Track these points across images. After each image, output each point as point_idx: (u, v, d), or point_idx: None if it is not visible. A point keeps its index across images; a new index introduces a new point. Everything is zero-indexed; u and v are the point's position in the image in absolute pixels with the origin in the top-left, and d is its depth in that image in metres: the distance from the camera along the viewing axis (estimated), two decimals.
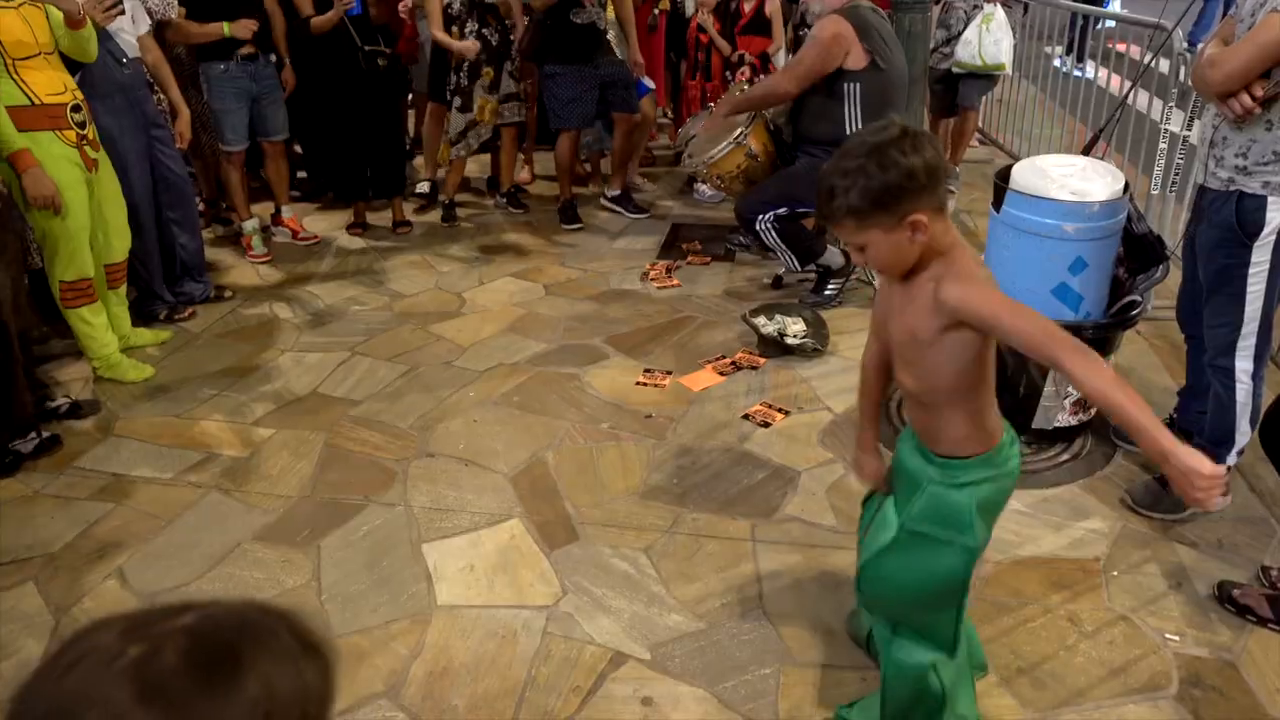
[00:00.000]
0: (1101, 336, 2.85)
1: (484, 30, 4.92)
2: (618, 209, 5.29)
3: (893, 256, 1.59)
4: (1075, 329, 2.81)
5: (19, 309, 3.27)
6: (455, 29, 4.90)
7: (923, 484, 1.73)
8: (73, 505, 2.94)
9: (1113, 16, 4.85)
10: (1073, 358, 1.43)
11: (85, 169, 3.45)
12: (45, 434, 3.24)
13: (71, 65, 3.48)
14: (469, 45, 4.79)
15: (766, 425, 3.20)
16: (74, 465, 3.15)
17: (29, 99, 3.23)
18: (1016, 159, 5.91)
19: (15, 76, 3.20)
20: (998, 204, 2.90)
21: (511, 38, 5.03)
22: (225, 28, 4.38)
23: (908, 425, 1.86)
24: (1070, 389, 2.89)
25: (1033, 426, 2.97)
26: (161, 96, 4.11)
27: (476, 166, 5.79)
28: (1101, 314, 2.91)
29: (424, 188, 5.60)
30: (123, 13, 3.72)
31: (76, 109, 3.41)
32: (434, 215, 5.39)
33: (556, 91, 4.99)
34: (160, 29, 4.21)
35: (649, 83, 5.17)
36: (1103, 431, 3.09)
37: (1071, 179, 2.79)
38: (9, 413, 3.13)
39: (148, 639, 0.63)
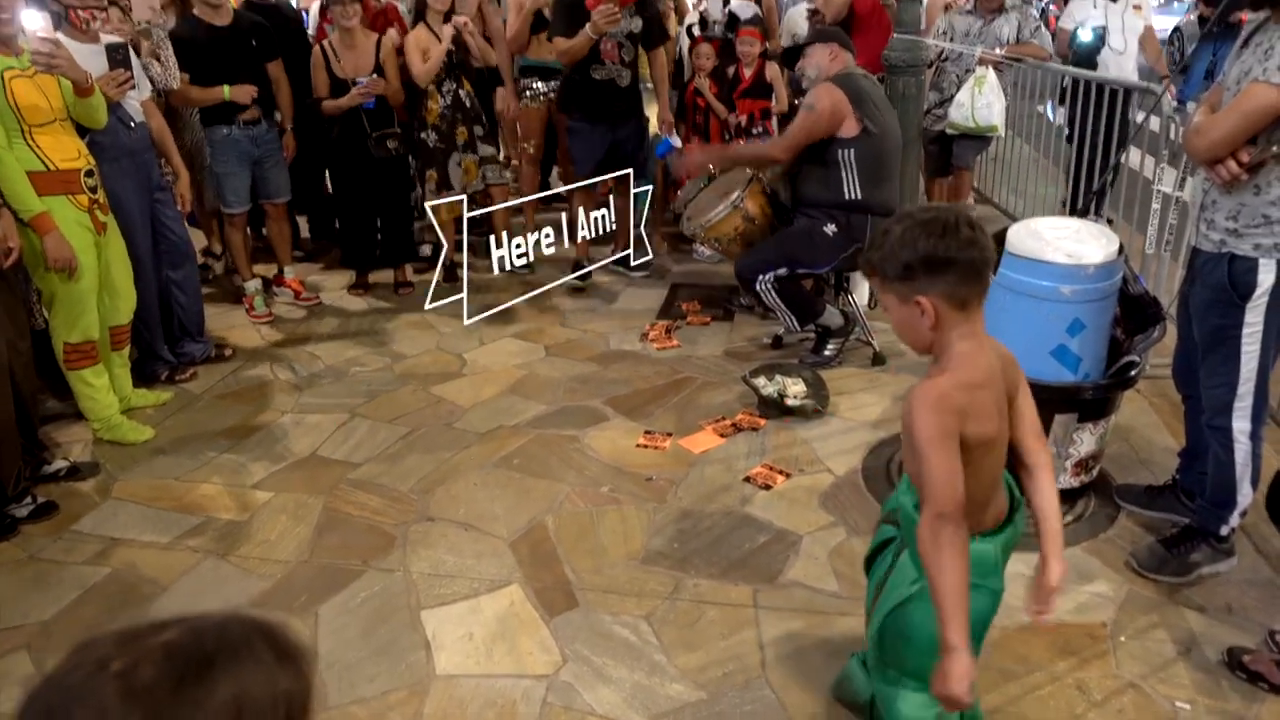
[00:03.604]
0: (1101, 397, 2.86)
1: (459, 91, 5.00)
2: (620, 269, 5.33)
3: (903, 328, 1.64)
4: (1075, 390, 2.82)
5: (28, 374, 3.27)
6: (433, 88, 4.96)
7: None
8: (68, 570, 2.91)
9: (1103, 80, 4.92)
10: (929, 522, 1.54)
11: (95, 232, 3.49)
12: (41, 499, 3.23)
13: (82, 129, 3.54)
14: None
15: (768, 488, 3.19)
16: (71, 529, 3.13)
17: (45, 165, 3.29)
18: (1013, 217, 6.00)
19: (31, 142, 3.25)
20: (994, 266, 2.92)
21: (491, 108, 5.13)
22: (226, 91, 4.47)
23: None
24: (1071, 450, 2.88)
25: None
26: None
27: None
28: (1100, 374, 2.91)
29: (426, 250, 5.65)
30: (134, 86, 3.80)
31: (89, 174, 3.46)
32: (435, 275, 5.40)
33: (572, 143, 5.15)
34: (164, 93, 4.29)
35: (675, 141, 5.25)
36: (1105, 493, 3.08)
37: (1066, 241, 2.81)
38: (4, 477, 3.12)
39: (135, 649, 0.72)
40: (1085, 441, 2.88)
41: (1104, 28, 5.68)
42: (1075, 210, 4.64)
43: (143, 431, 3.72)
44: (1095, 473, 3.02)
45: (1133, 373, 2.84)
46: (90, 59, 3.56)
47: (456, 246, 4.77)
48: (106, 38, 3.76)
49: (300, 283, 5.22)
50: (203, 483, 3.38)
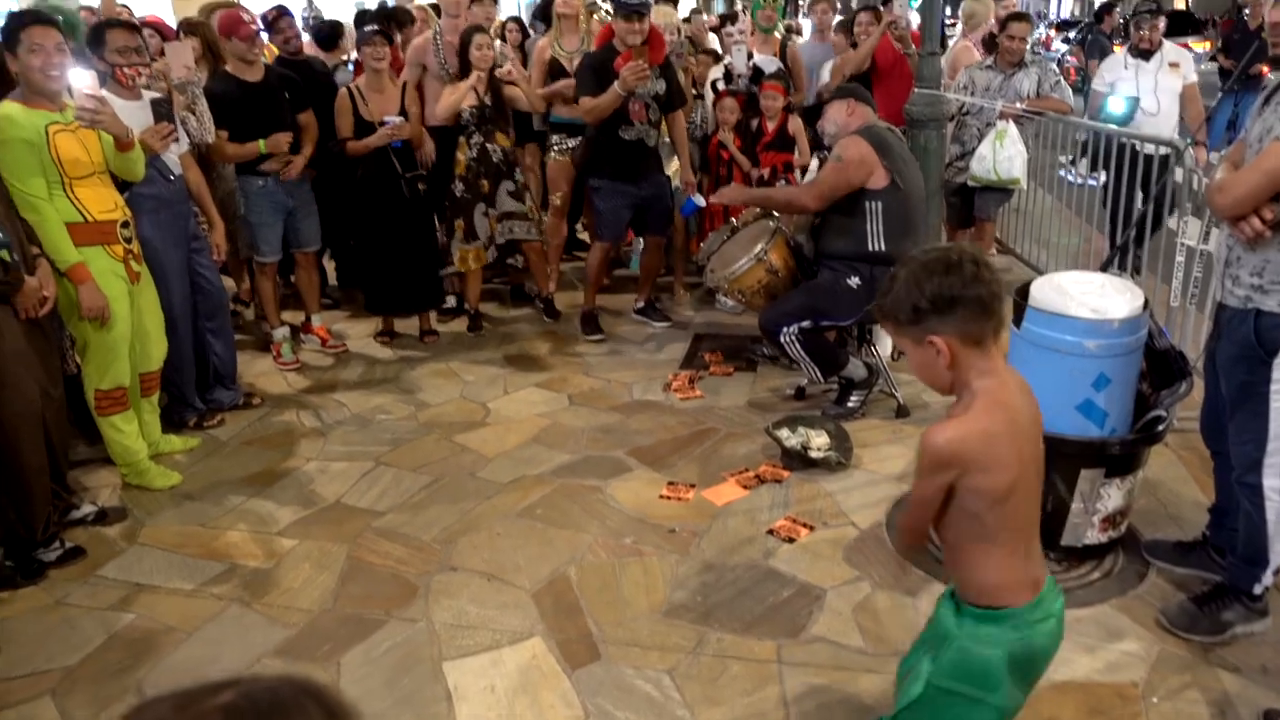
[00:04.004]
0: (1128, 452, 2.84)
1: (488, 145, 5.09)
2: (644, 319, 5.37)
3: (922, 369, 1.65)
4: (1101, 445, 2.81)
5: (59, 420, 3.33)
6: (462, 139, 5.07)
7: (951, 637, 1.68)
8: (94, 615, 2.94)
9: (1126, 135, 4.95)
10: (897, 530, 1.72)
11: (129, 281, 3.57)
12: (69, 544, 3.27)
13: (120, 181, 3.63)
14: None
15: (791, 541, 3.18)
16: (97, 574, 3.16)
17: (83, 216, 3.37)
18: (1035, 268, 6.00)
19: (71, 194, 3.34)
20: (1018, 320, 2.93)
21: (546, 158, 5.21)
22: (261, 146, 4.57)
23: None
24: (1098, 505, 2.86)
25: (1061, 544, 2.93)
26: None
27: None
28: (1127, 429, 2.90)
29: (451, 301, 5.71)
30: (177, 139, 3.90)
31: (125, 225, 3.54)
32: (460, 324, 5.49)
33: (597, 204, 5.17)
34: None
35: (699, 200, 5.31)
36: (1134, 549, 3.05)
37: (1091, 296, 2.82)
38: (34, 523, 3.16)
39: (193, 713, 0.73)
40: (1113, 497, 2.86)
41: (1136, 99, 5.49)
42: (1107, 269, 4.61)
43: (170, 477, 3.76)
44: (1123, 528, 2.99)
45: (1160, 428, 2.82)
46: (134, 113, 3.67)
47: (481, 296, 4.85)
48: (149, 93, 3.87)
49: (327, 330, 5.29)
50: (228, 529, 3.41)
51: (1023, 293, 2.97)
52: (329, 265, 6.09)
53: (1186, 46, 6.02)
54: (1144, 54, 5.72)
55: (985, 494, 1.58)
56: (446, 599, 2.93)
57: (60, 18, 3.97)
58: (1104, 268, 4.08)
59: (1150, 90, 5.58)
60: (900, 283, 1.58)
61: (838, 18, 6.78)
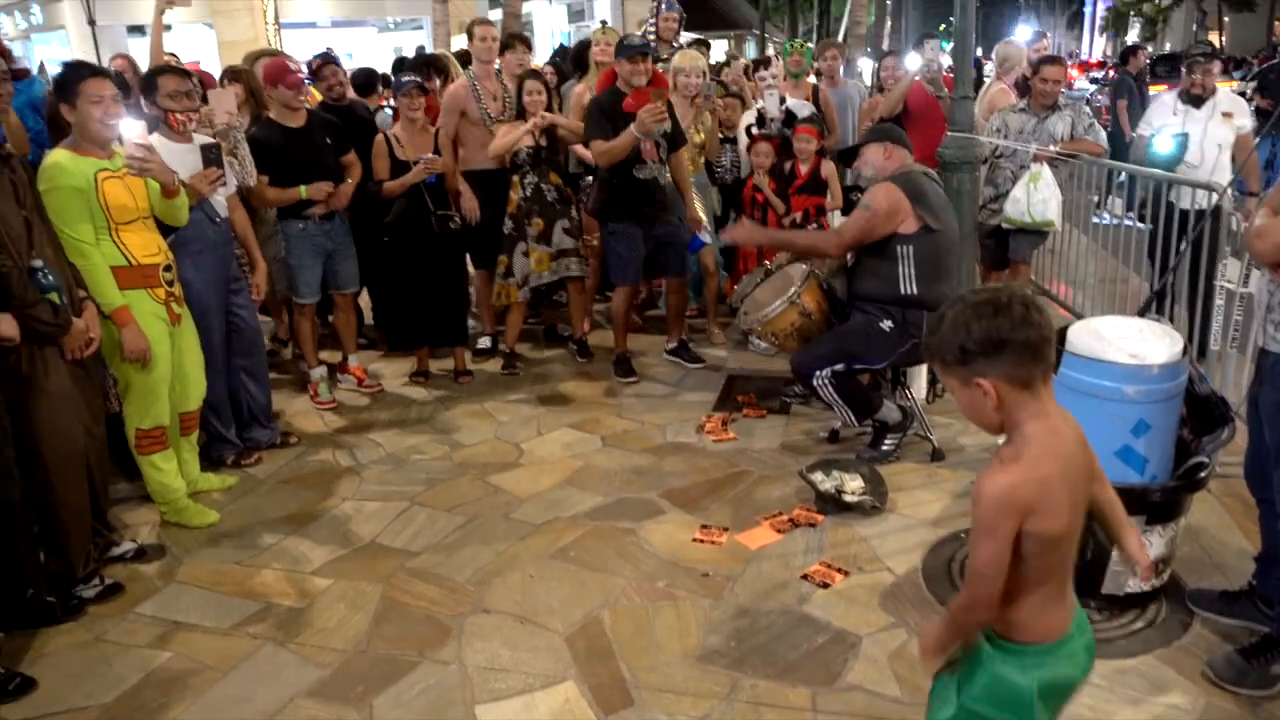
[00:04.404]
0: (1170, 499, 2.80)
1: (542, 185, 5.18)
2: (676, 360, 5.39)
3: (970, 411, 1.64)
4: (1142, 492, 2.76)
5: (101, 459, 3.39)
6: (516, 178, 5.17)
7: (984, 665, 1.68)
8: (131, 653, 2.97)
9: (1163, 178, 4.92)
10: (961, 606, 1.66)
11: (170, 323, 3.64)
12: (109, 580, 3.31)
13: (164, 226, 3.72)
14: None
15: (826, 586, 3.15)
16: (135, 611, 3.20)
17: (127, 260, 3.46)
18: (1070, 310, 5.95)
19: (116, 239, 3.43)
20: (1055, 365, 2.90)
21: (580, 197, 5.27)
22: (303, 191, 4.68)
23: None
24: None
25: (1102, 592, 2.88)
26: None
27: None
28: (1168, 476, 2.85)
29: (485, 343, 5.77)
30: (225, 183, 4.00)
31: (168, 268, 3.63)
32: (494, 364, 5.53)
33: (616, 248, 5.17)
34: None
35: (704, 237, 5.34)
36: (1178, 598, 2.98)
37: (1129, 341, 2.79)
38: (74, 560, 3.21)
39: None
40: (1155, 545, 2.81)
41: (1185, 136, 5.22)
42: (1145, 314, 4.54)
43: (208, 515, 3.80)
44: (1166, 577, 2.93)
45: (1202, 474, 2.78)
46: (183, 156, 3.77)
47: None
48: (199, 138, 3.98)
49: (363, 370, 5.35)
50: (263, 568, 3.43)
51: (1059, 337, 2.95)
52: (365, 305, 6.18)
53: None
54: (1195, 100, 5.40)
55: (1038, 539, 1.57)
56: (479, 641, 2.93)
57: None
58: (1142, 312, 4.04)
59: (1197, 140, 5.28)
60: (948, 323, 1.57)
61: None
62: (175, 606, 3.22)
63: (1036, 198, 5.32)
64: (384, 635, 2.99)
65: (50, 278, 3.03)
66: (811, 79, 6.60)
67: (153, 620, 3.14)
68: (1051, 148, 5.42)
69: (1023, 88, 6.32)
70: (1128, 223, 5.62)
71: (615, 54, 5.06)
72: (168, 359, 3.64)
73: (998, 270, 5.92)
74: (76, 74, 3.37)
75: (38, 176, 3.21)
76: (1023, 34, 10.50)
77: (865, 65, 15.09)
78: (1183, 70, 5.65)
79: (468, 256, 5.54)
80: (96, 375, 3.47)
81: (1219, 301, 4.03)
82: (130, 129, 3.37)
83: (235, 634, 3.04)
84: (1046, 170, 5.35)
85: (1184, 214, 4.72)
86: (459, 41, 16.84)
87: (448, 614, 3.09)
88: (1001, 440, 1.64)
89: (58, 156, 3.31)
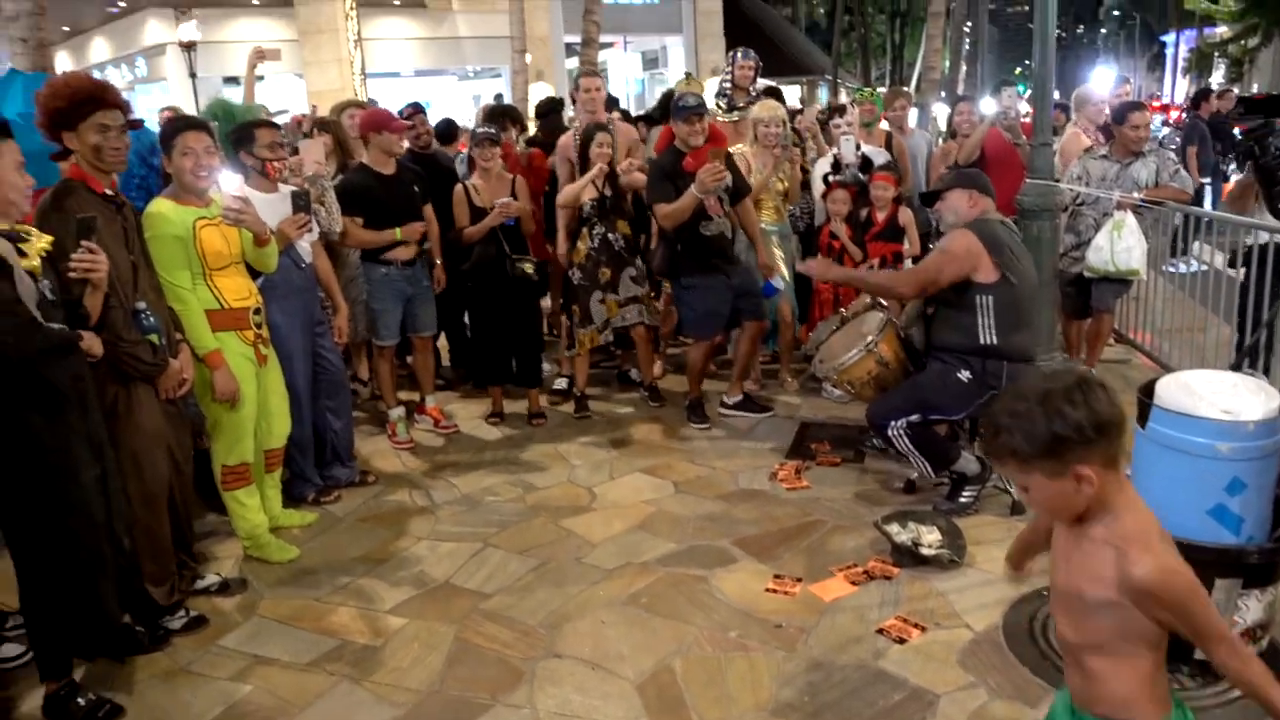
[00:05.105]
0: (1268, 561, 2.68)
1: (609, 235, 5.26)
2: (738, 413, 5.34)
3: (1056, 503, 1.57)
4: (1238, 553, 2.66)
5: (187, 495, 3.51)
6: (585, 230, 5.26)
7: None
8: (213, 685, 3.04)
9: (1255, 226, 4.78)
10: (1228, 653, 1.53)
11: (257, 364, 3.77)
12: (194, 612, 3.41)
13: (254, 270, 3.87)
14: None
15: (902, 641, 3.08)
16: (218, 643, 3.28)
17: (220, 303, 3.60)
18: (1154, 358, 5.78)
19: (210, 283, 3.57)
20: (1142, 420, 2.83)
21: (647, 245, 5.34)
22: (398, 233, 4.83)
23: (1064, 688, 1.75)
24: (1235, 618, 2.69)
25: (1195, 657, 2.76)
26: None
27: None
28: (1266, 536, 2.74)
29: (561, 383, 5.84)
30: (311, 229, 4.16)
31: (257, 311, 3.76)
32: (568, 407, 5.58)
33: (693, 303, 5.16)
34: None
35: (777, 283, 5.33)
36: (1276, 665, 2.84)
37: (1222, 396, 2.70)
38: (156, 591, 3.32)
39: None
40: (1252, 609, 2.69)
41: None
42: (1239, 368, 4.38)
43: (288, 551, 3.89)
44: (1264, 644, 2.80)
45: None
46: (274, 204, 3.94)
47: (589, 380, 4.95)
48: (286, 186, 4.15)
49: (440, 411, 5.45)
50: (340, 605, 3.50)
51: (1147, 391, 2.87)
52: (442, 347, 6.31)
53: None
54: None
55: None
56: (551, 686, 2.94)
57: (215, 119, 4.32)
58: (1235, 366, 3.91)
59: None
60: (1031, 416, 1.51)
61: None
62: (256, 641, 3.29)
63: (1120, 246, 5.21)
64: (457, 676, 3.02)
65: (152, 319, 3.18)
66: (884, 125, 6.60)
67: (234, 653, 3.22)
68: (1135, 195, 5.31)
69: (1108, 132, 6.20)
70: (1205, 267, 5.44)
71: (671, 114, 5.13)
72: (254, 399, 3.77)
73: (1079, 319, 5.80)
74: (174, 127, 3.56)
75: (143, 224, 3.37)
76: (1101, 77, 10.31)
77: (940, 111, 14.99)
78: None
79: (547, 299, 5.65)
80: (187, 414, 3.61)
81: None
82: (229, 182, 3.53)
83: (313, 670, 3.10)
84: (1131, 218, 5.24)
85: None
86: (536, 89, 17.31)
87: (520, 657, 3.10)
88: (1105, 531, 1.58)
89: (160, 206, 3.48)
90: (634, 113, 8.05)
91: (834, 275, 4.61)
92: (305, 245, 4.28)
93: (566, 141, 5.60)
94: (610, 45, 25.83)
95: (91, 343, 2.85)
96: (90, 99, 3.09)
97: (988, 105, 6.37)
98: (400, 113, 5.70)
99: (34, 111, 3.16)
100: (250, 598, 3.59)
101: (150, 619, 3.30)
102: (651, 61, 30.59)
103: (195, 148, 3.48)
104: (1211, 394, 2.71)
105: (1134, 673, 1.57)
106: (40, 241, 2.75)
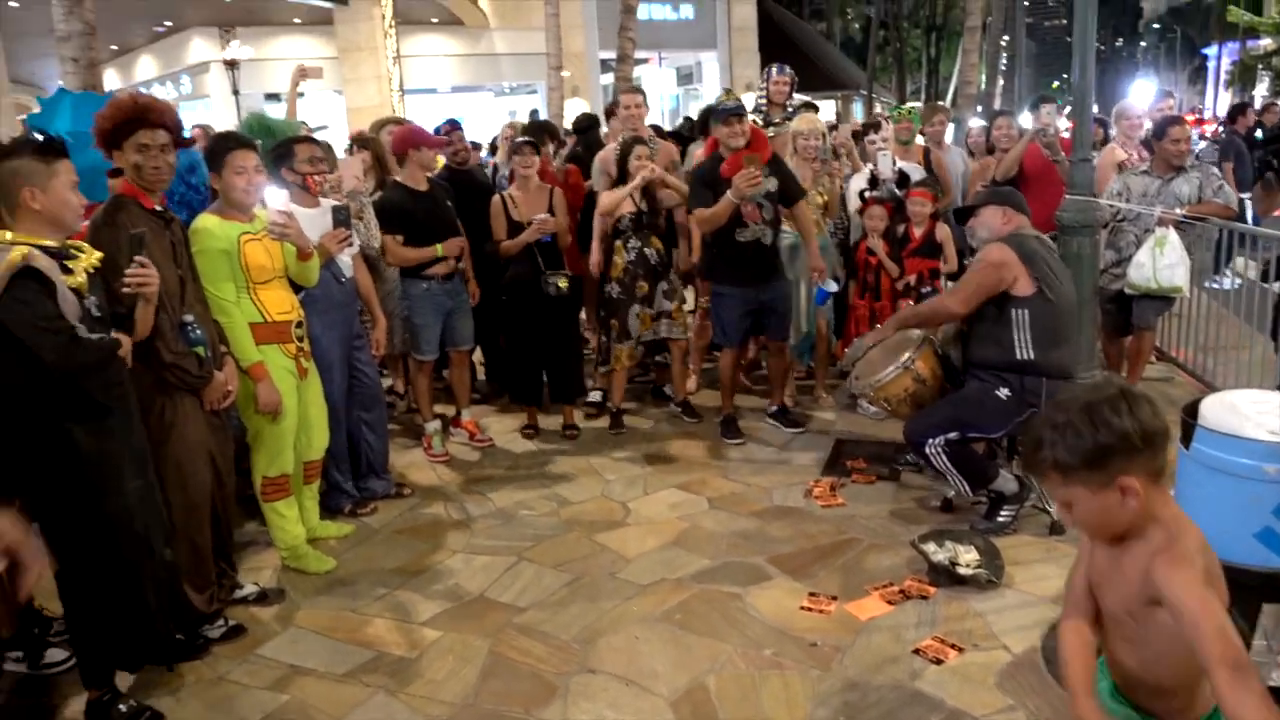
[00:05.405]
0: None
1: (645, 249, 5.28)
2: (775, 424, 5.35)
3: (1099, 518, 1.54)
4: None
5: (228, 506, 3.56)
6: (619, 243, 5.29)
7: None
8: (251, 694, 3.08)
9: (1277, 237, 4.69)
10: (1228, 677, 1.37)
11: (298, 377, 3.82)
12: (232, 621, 3.45)
13: (296, 285, 3.92)
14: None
15: (939, 662, 3.04)
16: (256, 653, 3.32)
17: (263, 316, 3.66)
18: (1197, 377, 5.69)
19: (254, 297, 3.63)
20: (1186, 440, 2.78)
21: (689, 257, 5.34)
22: (439, 249, 4.89)
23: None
24: None
25: None
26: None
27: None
28: None
29: (595, 396, 5.85)
30: (352, 243, 4.22)
31: (299, 325, 3.82)
32: (602, 422, 5.60)
33: (720, 311, 5.20)
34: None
35: (829, 287, 5.27)
36: None
37: (1269, 416, 2.66)
38: (195, 600, 3.37)
39: None
40: None
41: None
42: None
43: (325, 562, 3.93)
44: None
45: None
46: (315, 219, 3.99)
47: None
48: (328, 201, 4.21)
49: (475, 424, 5.49)
50: (376, 617, 3.53)
51: (1191, 411, 2.83)
52: (477, 360, 6.35)
53: None
54: None
55: None
56: (585, 702, 2.94)
57: (252, 133, 4.40)
58: None
59: None
60: (1074, 429, 1.49)
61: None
62: (293, 651, 3.33)
63: (1163, 262, 5.14)
64: (491, 690, 3.03)
65: (199, 332, 3.24)
66: (920, 140, 6.57)
67: (272, 663, 3.25)
68: (1178, 211, 5.24)
69: (1147, 148, 6.13)
70: (1241, 282, 5.36)
71: (711, 119, 5.13)
72: (294, 411, 3.81)
73: (1119, 337, 5.72)
74: (225, 145, 3.63)
75: (190, 238, 3.44)
76: (1140, 90, 10.15)
77: (975, 125, 14.89)
78: None
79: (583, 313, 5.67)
80: (229, 426, 3.66)
81: None
82: (274, 198, 3.59)
83: (349, 681, 3.12)
84: (1173, 234, 5.16)
85: None
86: (572, 105, 17.44)
87: (554, 672, 3.11)
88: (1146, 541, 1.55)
89: (206, 221, 3.55)
90: (666, 128, 8.09)
91: (882, 336, 4.27)
92: (346, 259, 4.33)
93: (606, 155, 5.65)
94: (645, 61, 25.96)
95: (126, 344, 2.89)
96: (132, 119, 3.18)
97: (1025, 120, 6.29)
98: (437, 130, 5.77)
99: (82, 130, 3.25)
100: (288, 608, 3.63)
101: (190, 627, 3.34)
102: (686, 77, 30.70)
103: (247, 166, 3.56)
104: (1258, 414, 2.67)
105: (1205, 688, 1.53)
106: (89, 258, 2.81)
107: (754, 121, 6.07)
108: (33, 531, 2.21)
